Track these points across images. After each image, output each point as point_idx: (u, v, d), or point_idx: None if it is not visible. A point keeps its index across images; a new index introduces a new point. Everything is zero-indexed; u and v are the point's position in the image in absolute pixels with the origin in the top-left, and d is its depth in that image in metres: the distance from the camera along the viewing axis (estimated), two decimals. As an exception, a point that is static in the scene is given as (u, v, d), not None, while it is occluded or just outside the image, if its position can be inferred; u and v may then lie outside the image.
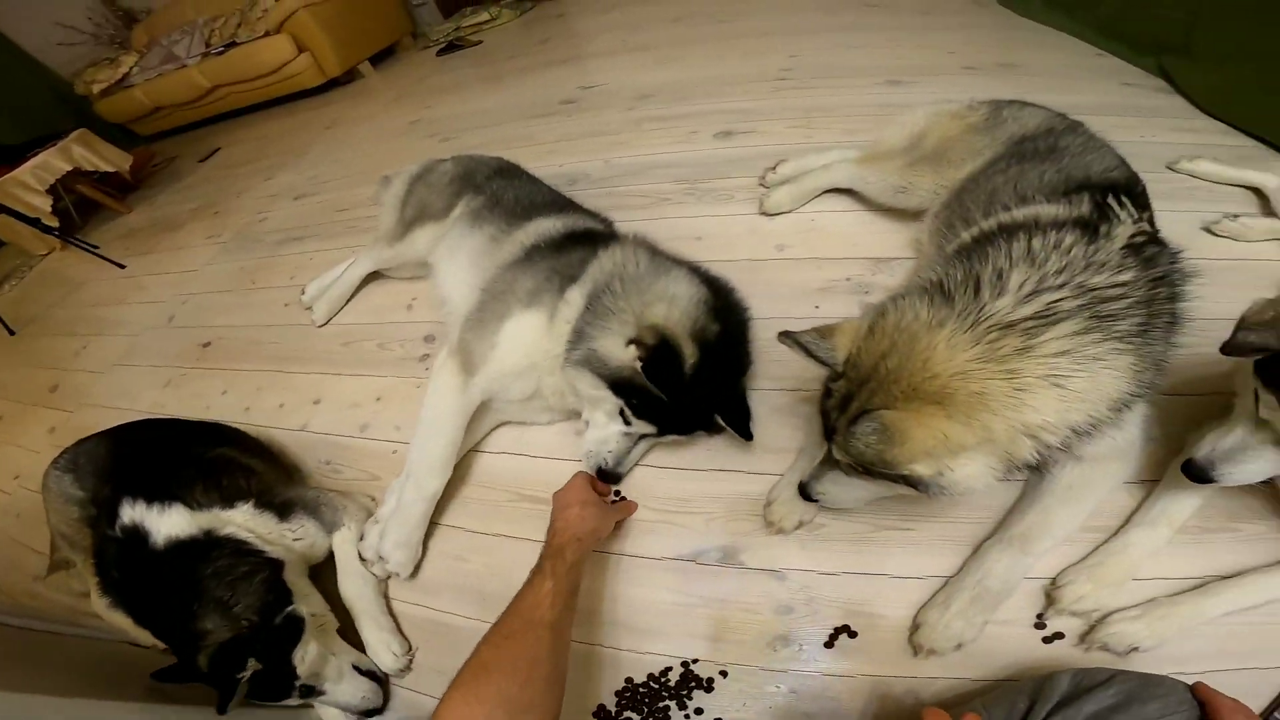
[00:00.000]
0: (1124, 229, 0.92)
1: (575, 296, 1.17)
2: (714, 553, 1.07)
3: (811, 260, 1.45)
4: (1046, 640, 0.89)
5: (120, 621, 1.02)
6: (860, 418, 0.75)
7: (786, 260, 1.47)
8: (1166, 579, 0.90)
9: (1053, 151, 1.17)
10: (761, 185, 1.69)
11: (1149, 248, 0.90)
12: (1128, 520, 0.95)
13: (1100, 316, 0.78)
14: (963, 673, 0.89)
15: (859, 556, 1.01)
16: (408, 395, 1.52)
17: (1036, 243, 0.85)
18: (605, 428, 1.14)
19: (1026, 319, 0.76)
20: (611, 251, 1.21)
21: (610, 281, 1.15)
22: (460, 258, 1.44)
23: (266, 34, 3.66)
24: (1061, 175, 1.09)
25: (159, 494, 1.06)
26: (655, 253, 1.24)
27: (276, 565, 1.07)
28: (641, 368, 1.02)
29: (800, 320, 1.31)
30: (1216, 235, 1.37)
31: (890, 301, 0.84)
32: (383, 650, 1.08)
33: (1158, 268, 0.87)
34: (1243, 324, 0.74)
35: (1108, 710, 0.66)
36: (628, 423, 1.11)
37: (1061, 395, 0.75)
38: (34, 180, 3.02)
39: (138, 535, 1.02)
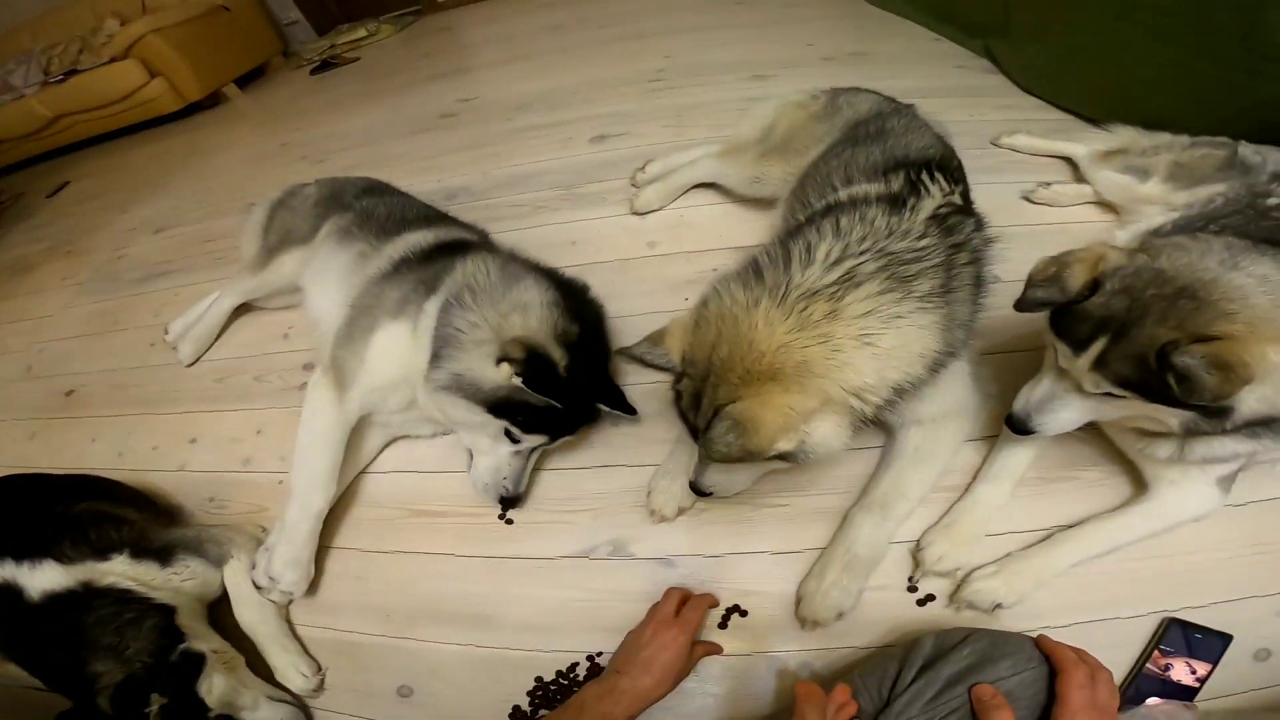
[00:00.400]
0: (930, 201, 1.01)
1: (430, 308, 1.14)
2: (604, 547, 1.10)
3: (681, 254, 1.51)
4: (920, 603, 0.95)
5: (14, 670, 1.03)
6: (714, 419, 0.78)
7: (657, 256, 1.52)
8: (1020, 532, 0.98)
9: (880, 134, 1.26)
10: (633, 186, 1.74)
11: (953, 218, 0.99)
12: (974, 477, 1.03)
13: (900, 278, 0.84)
14: (850, 641, 0.94)
15: (741, 537, 1.06)
16: (289, 425, 1.40)
17: (845, 219, 0.92)
18: (493, 452, 1.12)
19: (831, 284, 0.82)
20: (463, 263, 1.19)
21: (461, 294, 1.12)
22: (330, 277, 1.40)
23: (112, 60, 3.37)
24: (885, 155, 1.17)
25: (26, 552, 1.04)
26: (505, 261, 1.22)
27: (167, 610, 1.05)
28: (523, 382, 1.01)
29: (672, 312, 1.36)
30: (1034, 203, 1.53)
31: (710, 290, 0.87)
32: (291, 673, 1.08)
33: (958, 235, 0.97)
34: (1030, 282, 0.82)
35: (964, 671, 0.71)
36: (516, 441, 1.10)
37: (875, 354, 0.81)
38: None
39: (11, 592, 1.01)
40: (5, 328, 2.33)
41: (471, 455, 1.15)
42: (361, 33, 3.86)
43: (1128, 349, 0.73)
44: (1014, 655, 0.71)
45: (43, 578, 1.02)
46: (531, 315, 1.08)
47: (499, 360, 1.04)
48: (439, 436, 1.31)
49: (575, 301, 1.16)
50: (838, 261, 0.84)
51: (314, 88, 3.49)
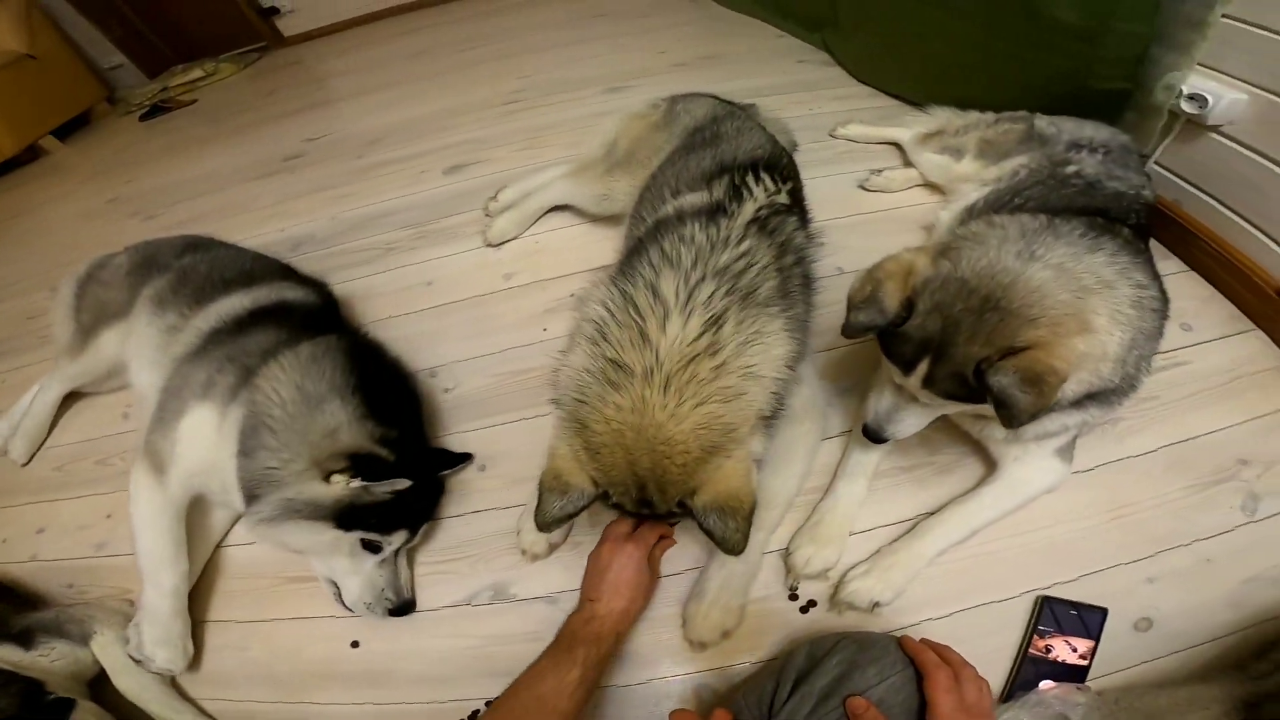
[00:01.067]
0: (751, 205, 1.02)
1: (234, 418, 1.04)
2: (485, 593, 1.07)
3: (537, 284, 1.48)
4: (803, 610, 0.96)
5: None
6: (690, 511, 0.78)
7: (514, 289, 1.48)
8: (888, 525, 1.01)
9: (715, 138, 1.28)
10: (486, 215, 1.69)
11: (773, 219, 1.00)
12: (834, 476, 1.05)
13: (744, 294, 0.84)
14: (743, 656, 0.94)
15: None
16: None
17: (668, 244, 0.91)
18: (359, 571, 1.03)
19: (698, 337, 0.79)
20: (266, 376, 1.07)
21: (263, 422, 1.01)
22: (144, 353, 1.27)
23: None
24: (714, 161, 1.18)
25: None
26: (303, 379, 1.06)
27: (35, 683, 1.01)
28: (362, 479, 0.95)
29: (531, 347, 1.34)
30: (869, 191, 1.60)
31: (582, 409, 0.81)
32: None
33: (780, 235, 0.98)
34: (850, 304, 0.83)
35: (834, 682, 0.70)
36: (377, 549, 1.02)
37: (759, 378, 0.81)
38: None
39: None
40: None
41: (334, 584, 1.05)
42: (198, 73, 3.55)
43: (949, 368, 0.77)
44: (879, 660, 0.72)
45: None
46: (343, 437, 1.00)
47: (327, 477, 0.97)
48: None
49: (385, 392, 1.11)
50: (688, 301, 0.82)
51: (145, 135, 3.18)
